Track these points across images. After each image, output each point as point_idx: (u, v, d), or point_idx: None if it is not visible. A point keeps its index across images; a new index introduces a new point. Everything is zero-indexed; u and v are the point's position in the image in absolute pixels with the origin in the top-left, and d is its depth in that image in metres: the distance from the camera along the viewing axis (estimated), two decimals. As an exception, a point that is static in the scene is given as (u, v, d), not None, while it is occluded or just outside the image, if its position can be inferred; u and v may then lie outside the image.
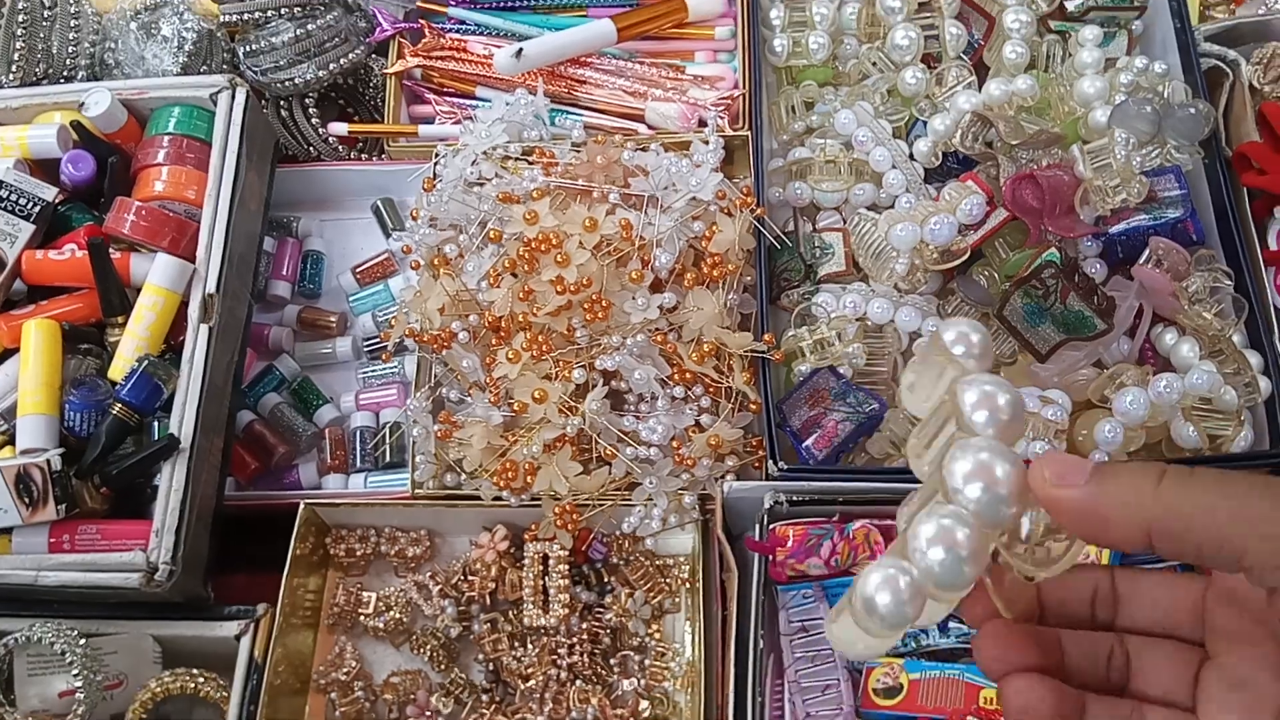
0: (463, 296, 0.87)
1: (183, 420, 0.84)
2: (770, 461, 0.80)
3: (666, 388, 0.83)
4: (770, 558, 0.76)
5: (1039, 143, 0.85)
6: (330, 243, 1.07)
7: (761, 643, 0.74)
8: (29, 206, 0.90)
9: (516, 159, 0.93)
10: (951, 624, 0.77)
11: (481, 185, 0.91)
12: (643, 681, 0.85)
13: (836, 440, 0.82)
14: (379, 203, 1.05)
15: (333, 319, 1.02)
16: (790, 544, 0.75)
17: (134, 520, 0.84)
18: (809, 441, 0.81)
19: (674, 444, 0.82)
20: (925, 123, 0.91)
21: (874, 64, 0.95)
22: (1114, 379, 0.81)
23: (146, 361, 0.85)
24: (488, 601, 0.88)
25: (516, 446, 0.83)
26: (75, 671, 0.79)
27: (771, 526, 0.77)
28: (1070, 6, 0.94)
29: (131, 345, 0.87)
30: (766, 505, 0.78)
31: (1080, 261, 0.86)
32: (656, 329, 0.83)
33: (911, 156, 0.91)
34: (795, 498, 0.77)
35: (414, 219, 0.93)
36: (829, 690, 0.72)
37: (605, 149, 0.89)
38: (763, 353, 0.83)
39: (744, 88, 0.96)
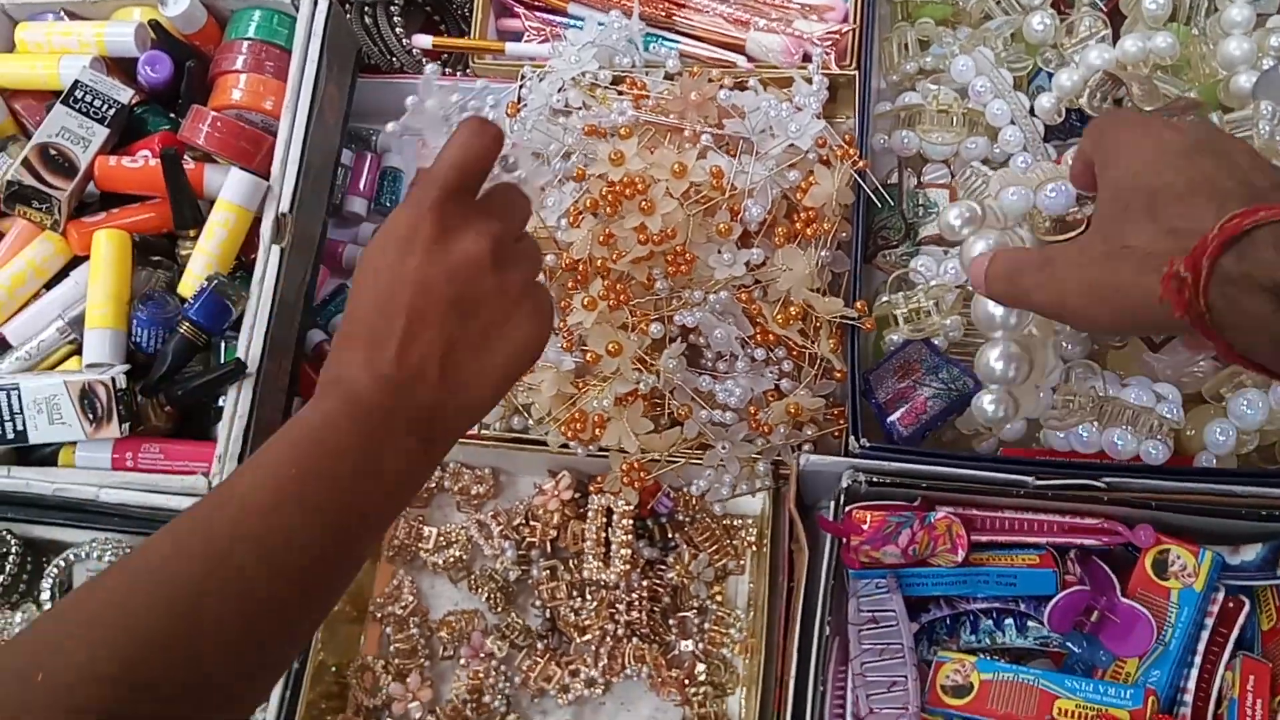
0: (540, 234, 0.83)
1: (250, 343, 0.82)
2: (852, 437, 0.76)
3: (747, 348, 0.79)
4: (845, 541, 0.72)
5: (1175, 109, 0.77)
6: (409, 159, 1.03)
7: (828, 628, 0.71)
8: (104, 109, 0.87)
9: (606, 87, 0.87)
10: (1030, 624, 0.73)
11: (568, 114, 0.86)
12: (701, 644, 0.83)
13: (924, 417, 0.77)
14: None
15: (408, 240, 0.99)
16: (867, 529, 0.71)
17: (197, 441, 0.83)
18: (895, 416, 0.77)
19: (750, 408, 0.78)
20: (1050, 75, 0.84)
21: (999, 3, 0.87)
22: (1233, 377, 0.75)
23: (216, 281, 0.83)
24: (548, 548, 0.86)
25: (587, 396, 0.80)
26: (135, 591, 0.79)
27: (848, 508, 0.73)
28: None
29: (201, 262, 0.85)
30: (844, 484, 0.74)
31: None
32: (741, 285, 0.79)
33: (1032, 111, 0.84)
34: (875, 479, 0.73)
35: (496, 144, 0.88)
36: (895, 687, 0.68)
37: (700, 83, 0.83)
38: (853, 320, 0.78)
39: (855, 21, 0.89)
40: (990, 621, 0.74)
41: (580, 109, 0.85)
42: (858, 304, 0.77)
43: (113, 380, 0.79)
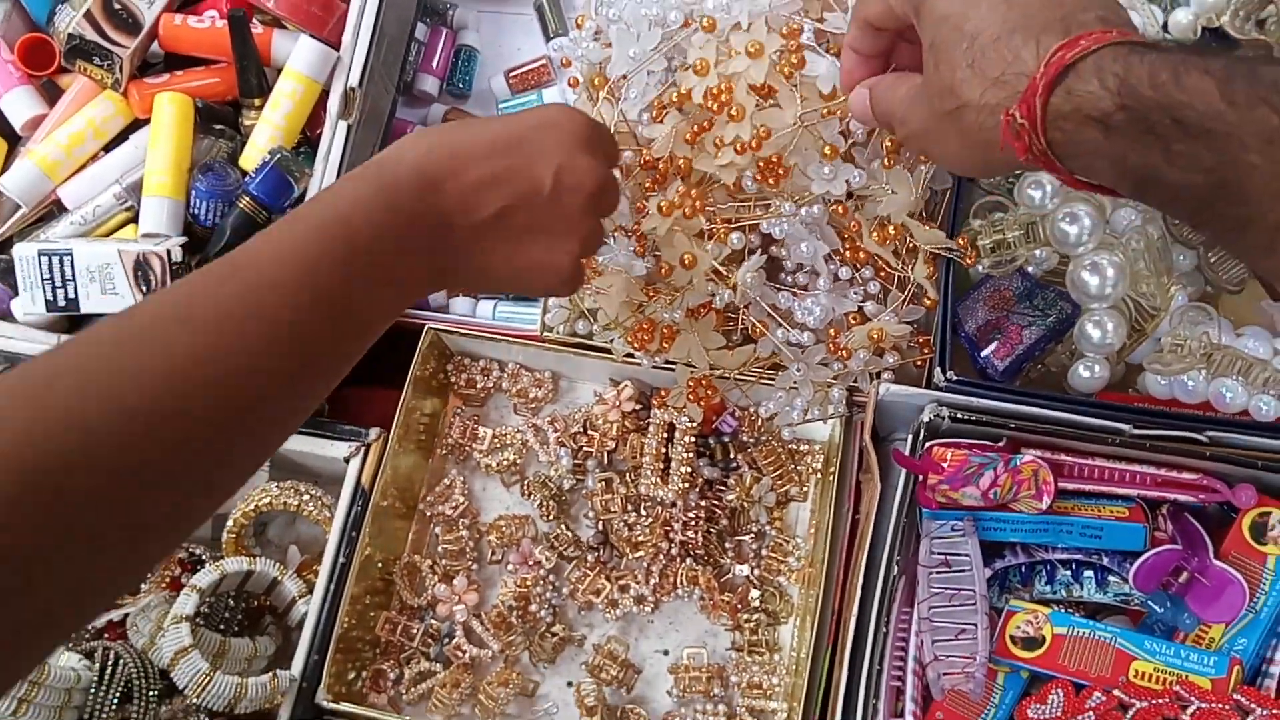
0: (620, 128, 0.77)
1: (310, 224, 0.79)
2: (938, 369, 0.71)
3: (831, 264, 0.74)
4: (921, 479, 0.68)
5: (1333, 36, 0.70)
6: (485, 39, 0.97)
7: (896, 568, 0.67)
8: (172, -37, 0.83)
9: (700, -27, 0.81)
10: (1111, 579, 0.69)
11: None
12: (757, 570, 0.80)
13: (1020, 348, 0.72)
14: (544, 0, 0.95)
15: (479, 125, 0.94)
16: (947, 467, 0.67)
17: (252, 322, 0.80)
18: (989, 349, 0.72)
19: (830, 330, 0.73)
20: (1163, 9, 0.76)
21: (1140, -94, 0.79)
22: (1361, 334, 0.69)
23: (279, 155, 0.79)
24: (605, 460, 0.83)
25: (656, 305, 0.75)
26: (181, 470, 0.77)
27: (927, 444, 0.68)
28: None
29: (266, 134, 0.81)
30: (925, 418, 0.69)
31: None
32: (836, 199, 0.73)
33: (1165, 27, 0.76)
34: (959, 414, 0.69)
35: (578, 27, 0.83)
36: (963, 635, 0.65)
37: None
38: (955, 254, 0.73)
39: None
40: (1068, 573, 0.70)
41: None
42: (960, 238, 0.72)
43: (168, 252, 0.76)
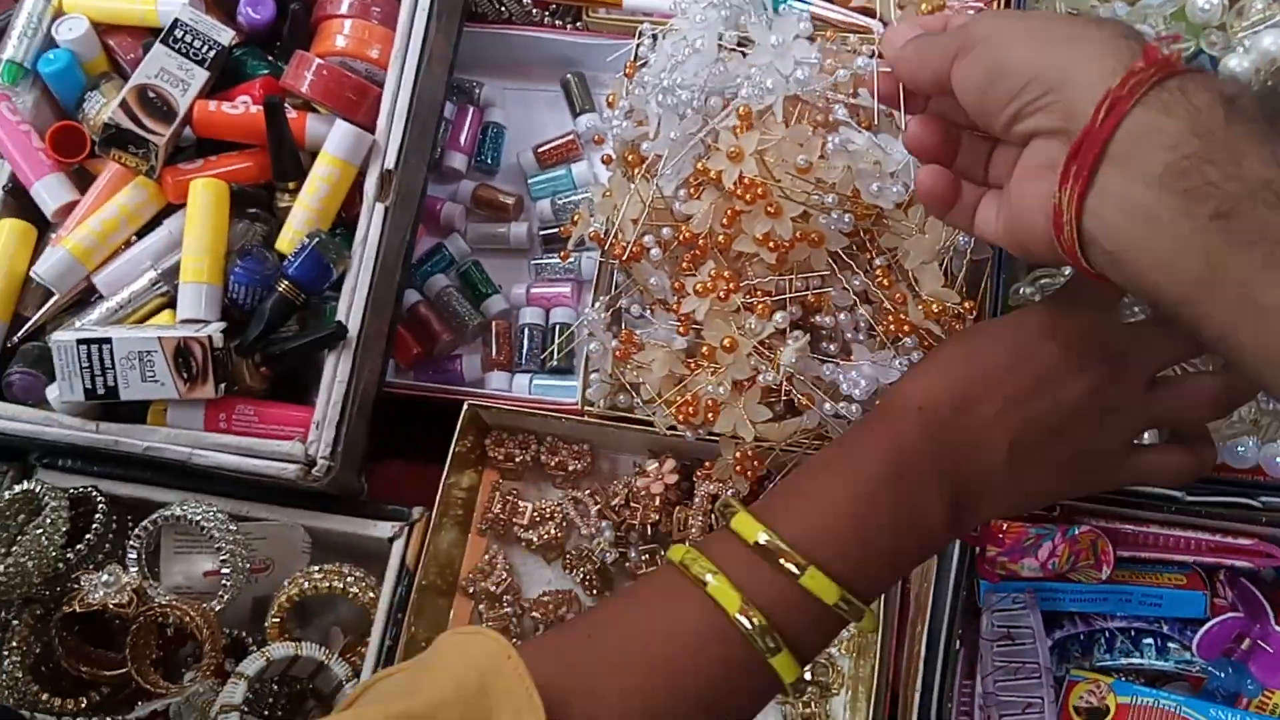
0: (656, 205, 0.78)
1: (351, 306, 0.79)
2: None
3: (874, 335, 0.74)
4: (980, 551, 0.68)
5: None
6: (512, 115, 0.98)
7: (958, 641, 0.67)
8: (204, 50, 0.83)
9: (731, 49, 0.82)
10: (1171, 645, 0.69)
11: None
12: (806, 642, 0.79)
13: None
14: (570, 77, 0.96)
15: (509, 200, 0.95)
16: (1005, 539, 0.67)
17: (292, 405, 0.80)
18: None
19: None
20: (1213, 59, 0.77)
21: (1161, -25, 0.81)
22: None
23: (318, 239, 0.79)
24: (648, 532, 0.83)
25: (700, 379, 0.75)
26: (223, 557, 0.77)
27: (983, 516, 0.68)
28: None
29: (302, 217, 0.81)
30: (979, 488, 0.69)
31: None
32: (879, 266, 0.74)
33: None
34: (1012, 484, 0.69)
35: (610, 105, 0.84)
36: (1030, 709, 0.64)
37: (838, 49, 0.77)
38: (960, 314, 0.73)
39: (1001, -12, 0.83)
40: (1128, 640, 0.69)
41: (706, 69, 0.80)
42: (967, 303, 0.72)
43: (209, 339, 0.76)
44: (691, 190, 0.77)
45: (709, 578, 0.49)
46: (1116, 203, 0.43)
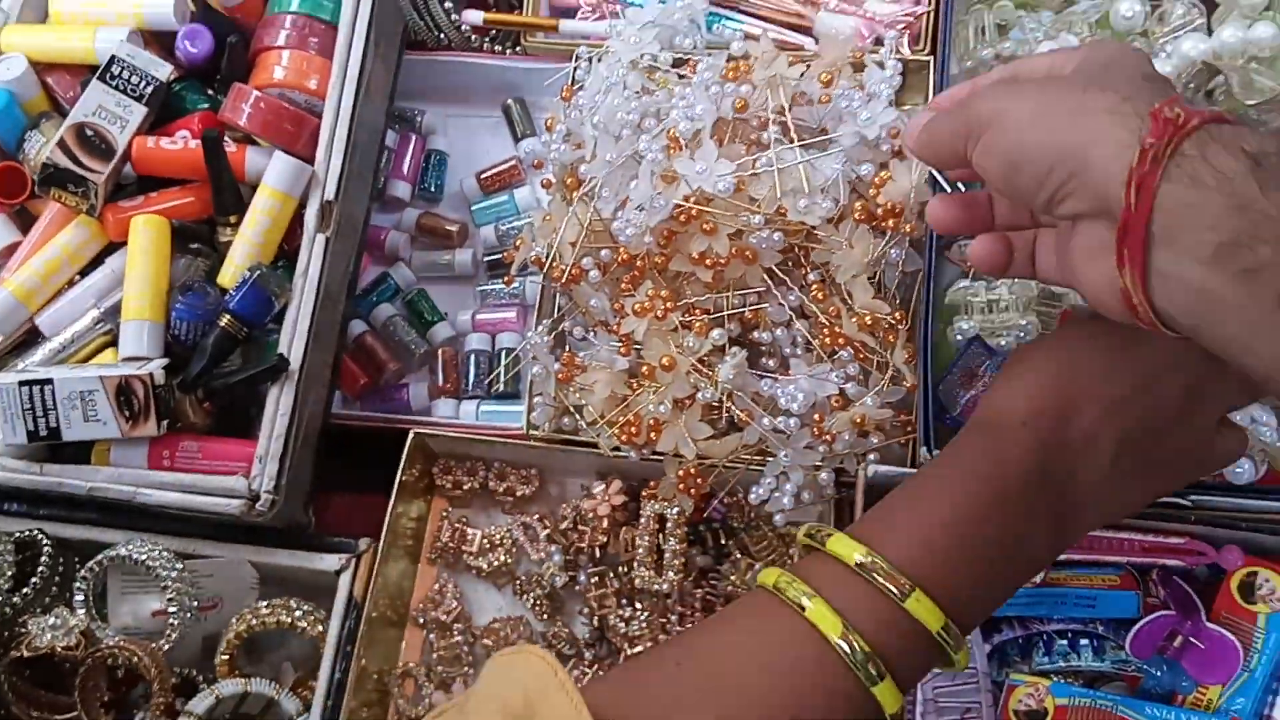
0: (595, 226, 0.79)
1: (293, 338, 0.79)
2: (923, 448, 0.72)
3: (810, 349, 0.75)
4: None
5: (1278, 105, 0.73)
6: (454, 142, 0.99)
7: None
8: (142, 86, 0.84)
9: (666, 71, 0.83)
10: (1107, 646, 0.70)
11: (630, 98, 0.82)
12: (756, 657, 0.80)
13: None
14: (511, 103, 0.97)
15: (453, 227, 0.96)
16: (940, 548, 0.68)
17: (236, 440, 0.80)
18: (968, 426, 0.73)
19: (816, 415, 0.74)
20: (1138, 65, 0.79)
21: (1083, -14, 0.83)
22: (1332, 392, 0.70)
23: (259, 272, 0.80)
24: (597, 554, 0.83)
25: (641, 398, 0.76)
26: (170, 595, 0.77)
27: (920, 525, 0.69)
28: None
29: (244, 251, 0.82)
30: (915, 498, 0.70)
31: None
32: (813, 281, 0.75)
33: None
34: (948, 493, 0.70)
35: (549, 129, 0.84)
36: (969, 714, 0.65)
37: (773, 63, 0.78)
38: (891, 325, 0.74)
39: (930, 3, 0.84)
40: (1065, 643, 0.70)
41: (640, 92, 0.81)
42: (896, 313, 0.73)
43: (151, 376, 0.76)
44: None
45: (806, 601, 0.47)
46: (1177, 285, 0.41)
